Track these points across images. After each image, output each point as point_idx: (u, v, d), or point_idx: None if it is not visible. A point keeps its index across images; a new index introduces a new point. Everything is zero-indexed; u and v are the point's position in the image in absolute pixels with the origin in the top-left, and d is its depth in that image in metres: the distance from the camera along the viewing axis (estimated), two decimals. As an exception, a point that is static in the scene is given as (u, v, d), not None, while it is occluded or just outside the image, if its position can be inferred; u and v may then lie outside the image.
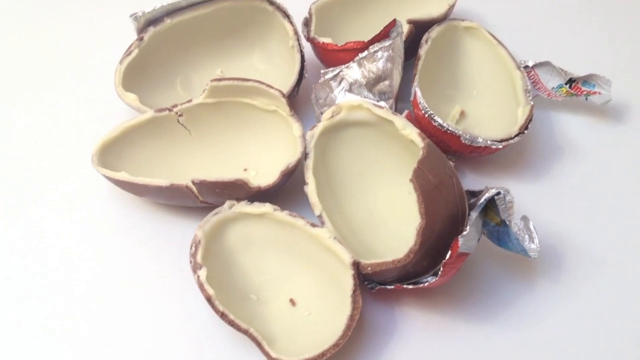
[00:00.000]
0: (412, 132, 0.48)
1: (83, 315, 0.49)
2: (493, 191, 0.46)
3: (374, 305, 0.50)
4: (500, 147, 0.54)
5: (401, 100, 0.58)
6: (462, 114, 0.60)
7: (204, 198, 0.51)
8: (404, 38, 0.57)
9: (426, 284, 0.45)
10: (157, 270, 0.51)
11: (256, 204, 0.50)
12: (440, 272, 0.44)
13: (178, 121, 0.55)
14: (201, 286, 0.45)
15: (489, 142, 0.54)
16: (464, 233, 0.44)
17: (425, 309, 0.50)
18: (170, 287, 0.50)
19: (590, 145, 0.60)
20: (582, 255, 0.53)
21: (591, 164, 0.59)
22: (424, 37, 0.59)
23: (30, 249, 0.53)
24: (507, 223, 0.47)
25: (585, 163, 0.59)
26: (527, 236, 0.48)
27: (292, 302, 0.49)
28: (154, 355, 0.47)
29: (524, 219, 0.49)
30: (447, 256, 0.44)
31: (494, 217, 0.48)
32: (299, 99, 0.61)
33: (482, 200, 0.46)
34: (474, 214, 0.45)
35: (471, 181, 0.57)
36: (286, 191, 0.54)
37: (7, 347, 0.48)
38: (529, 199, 0.56)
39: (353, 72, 0.55)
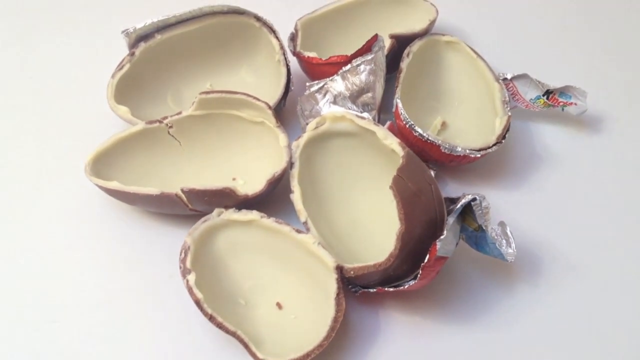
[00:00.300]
0: (393, 142, 0.49)
1: (73, 321, 0.50)
2: (469, 197, 0.47)
3: (358, 308, 0.51)
4: (479, 156, 0.55)
5: (384, 111, 0.59)
6: (444, 124, 0.61)
7: (193, 206, 0.52)
8: (385, 52, 0.58)
9: (406, 286, 0.46)
10: (148, 276, 0.52)
11: (244, 211, 0.51)
12: (419, 275, 0.45)
13: (168, 132, 0.56)
14: (190, 290, 0.46)
15: (467, 151, 0.55)
16: (442, 237, 0.45)
17: (407, 311, 0.51)
18: (161, 292, 0.51)
19: (566, 154, 0.61)
20: (558, 259, 0.54)
21: (567, 171, 0.60)
22: (406, 51, 0.60)
23: (22, 256, 0.53)
24: (484, 228, 0.48)
25: (561, 171, 0.60)
26: (504, 241, 0.49)
27: (279, 305, 0.50)
28: (144, 358, 0.48)
29: (502, 224, 0.50)
30: (426, 259, 0.45)
31: (471, 223, 0.49)
32: (286, 111, 0.62)
33: (458, 205, 0.47)
34: (451, 219, 0.47)
35: (452, 189, 0.58)
36: (273, 199, 0.55)
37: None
38: (507, 206, 0.57)
39: (337, 84, 0.56)
